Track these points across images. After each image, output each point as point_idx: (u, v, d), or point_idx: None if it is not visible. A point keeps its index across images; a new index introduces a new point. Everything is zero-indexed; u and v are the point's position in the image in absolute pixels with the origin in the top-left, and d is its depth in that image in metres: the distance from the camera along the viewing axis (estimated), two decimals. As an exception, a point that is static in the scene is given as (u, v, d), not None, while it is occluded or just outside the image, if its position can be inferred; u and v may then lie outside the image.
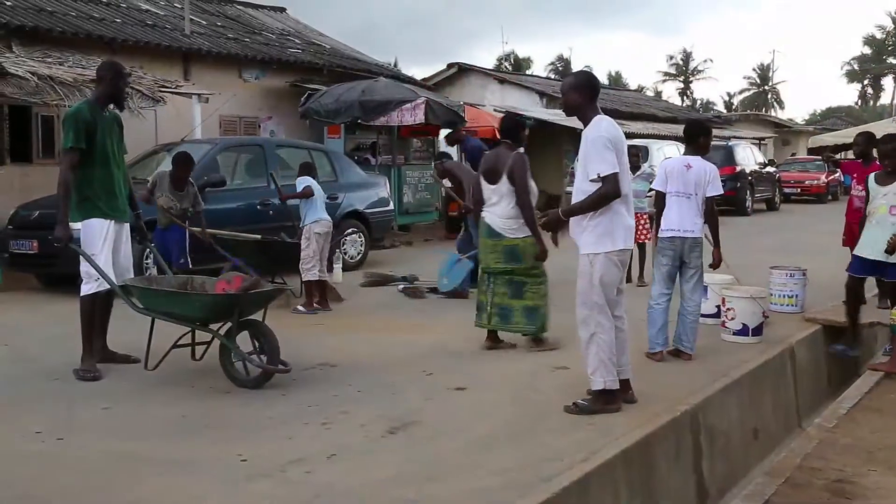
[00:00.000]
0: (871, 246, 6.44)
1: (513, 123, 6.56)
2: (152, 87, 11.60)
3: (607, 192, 4.64)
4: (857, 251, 6.64)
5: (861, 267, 6.61)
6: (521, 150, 6.34)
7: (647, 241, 9.14)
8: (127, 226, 5.95)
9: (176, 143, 10.98)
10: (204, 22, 16.65)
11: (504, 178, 6.16)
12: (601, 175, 4.63)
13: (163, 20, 15.66)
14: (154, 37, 14.33)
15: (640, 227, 9.31)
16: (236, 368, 5.45)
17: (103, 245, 5.67)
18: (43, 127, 12.74)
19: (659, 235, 6.21)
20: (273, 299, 5.81)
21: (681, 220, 6.05)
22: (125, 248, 5.92)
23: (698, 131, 6.23)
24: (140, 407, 4.99)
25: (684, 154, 6.30)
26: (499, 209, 6.22)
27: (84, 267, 5.70)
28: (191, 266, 7.78)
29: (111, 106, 5.88)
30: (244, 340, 5.49)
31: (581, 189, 4.79)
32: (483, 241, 6.40)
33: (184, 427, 4.63)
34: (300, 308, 8.00)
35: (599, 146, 4.65)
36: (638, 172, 9.82)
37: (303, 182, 8.28)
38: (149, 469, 3.98)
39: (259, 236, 8.80)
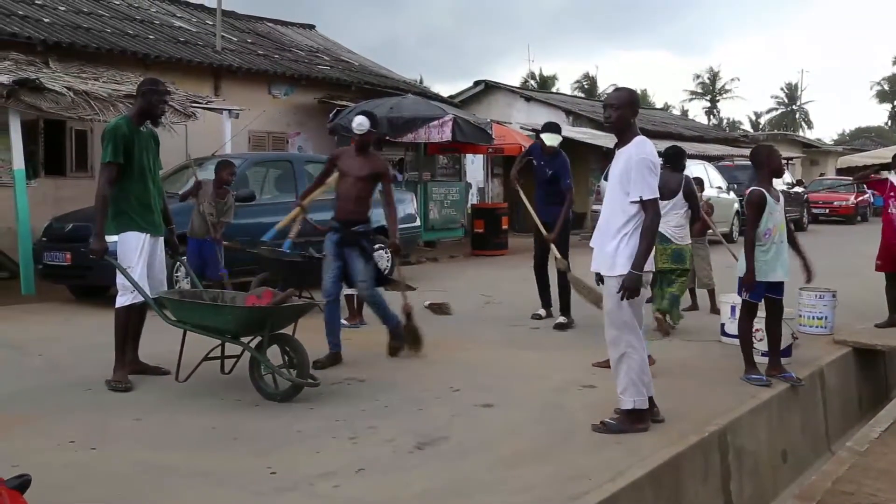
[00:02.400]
0: None
1: (676, 151, 7.90)
2: (184, 102, 11.76)
3: (653, 218, 4.66)
4: None
5: None
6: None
7: None
8: (161, 240, 6.04)
9: (207, 157, 11.11)
10: (234, 38, 16.87)
11: (679, 195, 7.51)
12: (643, 199, 4.62)
13: (195, 37, 15.90)
14: (186, 53, 14.55)
15: None
16: (266, 381, 5.50)
17: (139, 258, 5.75)
18: (77, 141, 12.98)
19: None
20: (304, 314, 5.86)
21: None
22: (159, 262, 6.00)
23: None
24: (170, 418, 5.05)
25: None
26: (671, 219, 7.42)
27: (120, 279, 5.79)
28: (228, 278, 7.86)
29: (147, 122, 5.96)
30: (273, 354, 5.54)
31: (618, 208, 4.74)
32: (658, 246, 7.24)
33: (213, 439, 4.67)
34: (343, 322, 8.02)
35: (644, 169, 4.64)
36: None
37: None
38: (180, 480, 4.02)
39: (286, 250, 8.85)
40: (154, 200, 5.92)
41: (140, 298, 5.73)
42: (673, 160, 7.76)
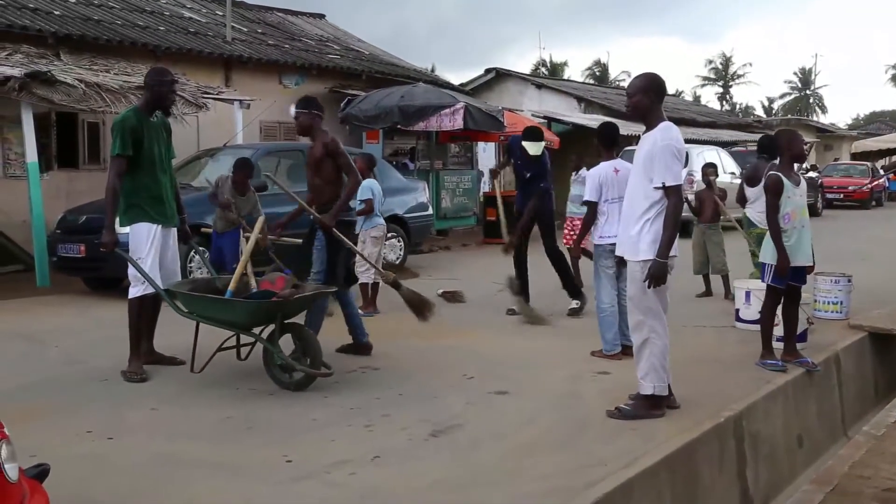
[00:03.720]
0: None
1: (771, 140, 8.02)
2: (195, 93, 11.77)
3: (677, 205, 4.63)
4: None
5: None
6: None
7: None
8: (174, 230, 6.04)
9: (218, 148, 11.14)
10: (245, 29, 16.86)
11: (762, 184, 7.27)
12: (666, 185, 4.60)
13: (205, 27, 15.89)
14: (196, 44, 14.55)
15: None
16: (279, 370, 5.51)
17: (150, 249, 5.76)
18: (89, 133, 13.03)
19: (598, 243, 6.40)
20: (315, 303, 5.86)
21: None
22: (172, 252, 6.01)
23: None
24: (186, 409, 5.08)
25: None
26: (759, 206, 7.49)
27: (132, 271, 5.82)
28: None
29: (158, 112, 5.96)
30: (286, 342, 5.55)
31: (641, 193, 4.73)
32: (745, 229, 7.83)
33: (229, 429, 4.69)
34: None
35: (668, 154, 4.61)
36: (575, 176, 9.86)
37: (365, 191, 8.23)
38: (196, 470, 4.04)
39: (300, 240, 8.86)
40: (165, 191, 5.92)
41: (152, 289, 5.74)
42: (768, 150, 8.06)
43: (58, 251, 9.40)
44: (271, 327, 5.53)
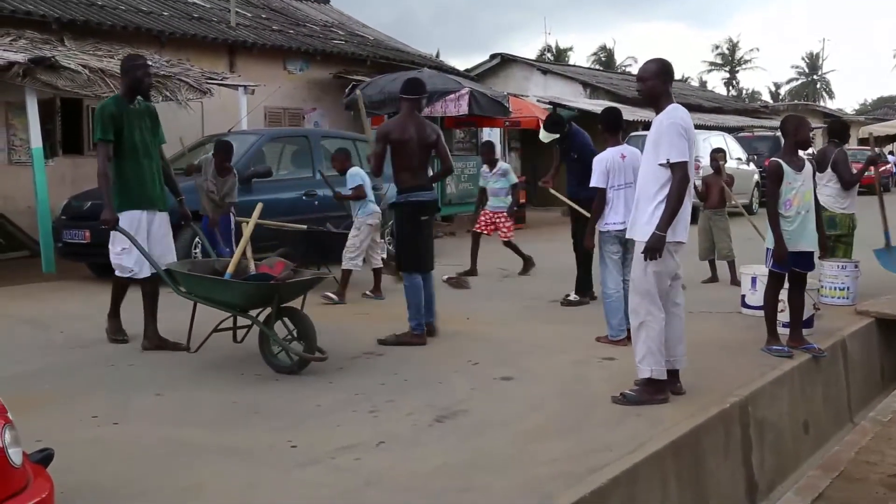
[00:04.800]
0: None
1: (842, 124, 8.61)
2: (199, 79, 11.74)
3: (681, 181, 4.64)
4: None
5: None
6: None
7: (511, 238, 9.78)
8: (164, 214, 6.14)
9: (223, 134, 11.11)
10: (249, 14, 16.80)
11: (829, 169, 7.94)
12: (671, 161, 4.63)
13: (209, 13, 15.84)
14: (200, 29, 14.51)
15: (501, 225, 9.58)
16: (274, 354, 5.55)
17: (136, 233, 5.88)
18: (93, 119, 12.98)
19: (603, 229, 6.35)
20: (311, 287, 5.87)
21: (627, 210, 6.12)
22: (164, 235, 6.14)
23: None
24: (191, 394, 5.08)
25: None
26: (826, 190, 7.92)
27: (115, 260, 6.02)
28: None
29: (140, 99, 6.07)
30: (282, 325, 5.57)
31: (652, 175, 4.75)
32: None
33: (234, 414, 4.69)
34: (331, 295, 8.03)
35: (673, 133, 4.66)
36: (495, 169, 9.84)
37: (354, 178, 8.25)
38: (202, 455, 4.04)
39: (305, 226, 8.87)
40: (149, 175, 6.03)
41: (143, 273, 5.92)
42: (839, 135, 8.35)
43: (63, 237, 9.41)
44: (268, 310, 5.54)
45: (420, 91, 6.51)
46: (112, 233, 5.93)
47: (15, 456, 2.53)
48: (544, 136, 7.98)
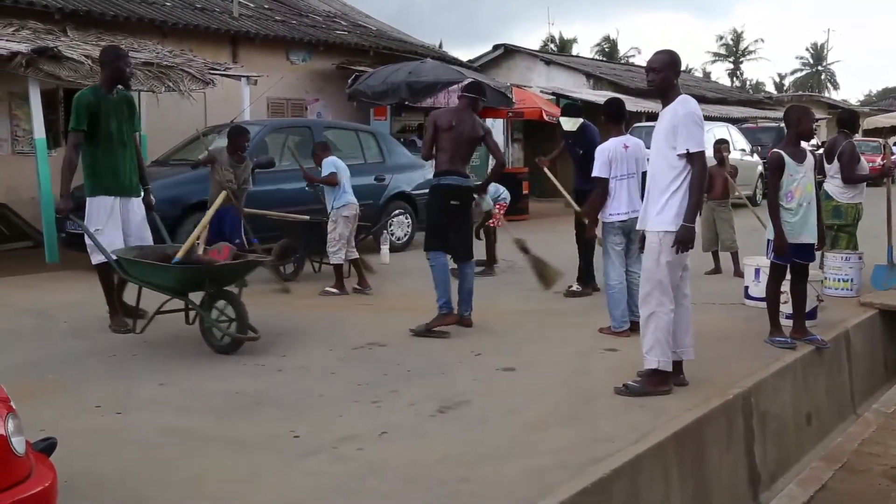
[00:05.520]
0: None
1: (851, 115, 8.70)
2: (202, 69, 11.71)
3: (701, 170, 4.67)
4: None
5: None
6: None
7: (499, 226, 9.56)
8: (138, 200, 6.41)
9: (225, 124, 11.08)
10: (251, 5, 16.75)
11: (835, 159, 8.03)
12: (690, 151, 4.63)
13: (211, 3, 15.79)
14: (203, 20, 14.47)
15: (494, 215, 9.52)
16: (213, 334, 5.80)
17: (108, 219, 6.21)
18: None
19: (607, 220, 6.34)
20: (246, 272, 6.02)
21: (630, 201, 6.22)
22: (139, 219, 6.42)
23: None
24: (194, 384, 5.08)
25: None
26: (835, 180, 8.02)
27: (87, 241, 6.18)
28: (247, 245, 7.88)
29: (120, 88, 6.28)
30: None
31: (665, 164, 4.74)
32: (823, 201, 7.88)
33: (237, 404, 4.70)
34: (332, 290, 8.03)
35: (690, 122, 4.67)
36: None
37: (328, 166, 8.17)
38: (204, 445, 4.05)
39: (307, 217, 8.86)
40: (123, 164, 6.29)
41: (96, 259, 6.15)
42: (848, 125, 8.39)
43: (66, 227, 9.40)
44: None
45: (478, 92, 6.75)
46: (86, 215, 6.22)
47: (18, 445, 2.54)
48: (568, 123, 7.88)
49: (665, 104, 4.85)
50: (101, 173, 6.20)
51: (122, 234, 6.27)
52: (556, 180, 8.04)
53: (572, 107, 8.22)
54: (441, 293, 6.37)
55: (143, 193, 6.53)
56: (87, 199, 6.29)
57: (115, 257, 5.95)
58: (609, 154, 6.31)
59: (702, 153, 4.68)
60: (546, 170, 8.15)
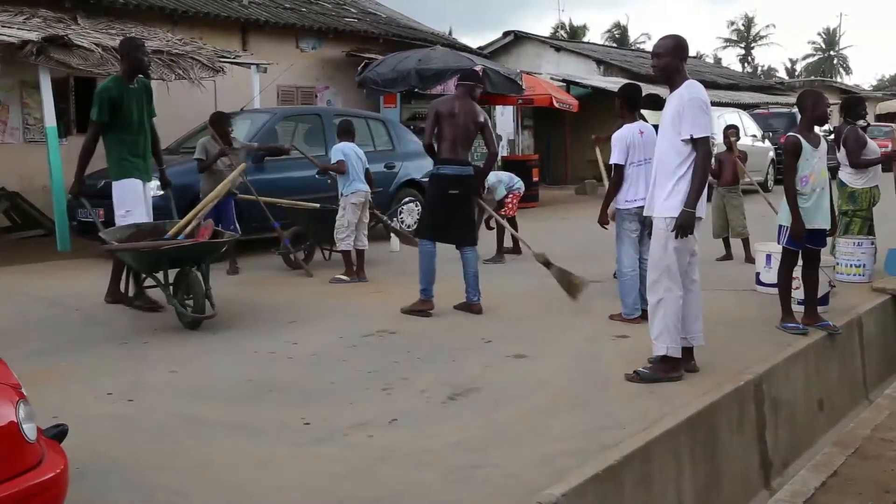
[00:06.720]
0: None
1: (855, 101, 8.56)
2: (212, 57, 11.71)
3: (705, 156, 4.65)
4: None
5: None
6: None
7: (510, 215, 9.46)
8: (149, 184, 6.79)
9: (235, 112, 11.08)
10: (261, -8, 16.71)
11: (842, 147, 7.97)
12: (694, 137, 4.61)
13: (221, -9, 15.76)
14: (213, 8, 14.45)
15: (507, 203, 9.46)
16: (179, 310, 6.07)
17: (137, 201, 6.57)
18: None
19: (622, 207, 6.28)
20: (211, 253, 6.23)
21: (646, 187, 6.06)
22: (148, 202, 6.78)
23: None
24: (206, 370, 5.10)
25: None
26: (847, 167, 7.97)
27: (119, 223, 6.53)
28: (240, 233, 7.84)
29: (139, 76, 6.58)
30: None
31: (671, 150, 4.71)
32: (839, 188, 8.02)
33: (248, 391, 4.71)
34: (342, 277, 8.02)
35: (696, 108, 4.64)
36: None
37: (337, 153, 8.14)
38: (216, 432, 4.07)
39: (318, 205, 8.86)
40: (144, 150, 6.65)
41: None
42: (852, 112, 8.23)
43: (77, 216, 9.43)
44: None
45: (473, 79, 6.89)
46: (115, 198, 6.55)
47: (30, 431, 2.55)
48: (654, 117, 7.63)
49: (672, 89, 4.81)
50: (130, 158, 6.52)
51: (147, 215, 6.66)
52: (602, 161, 7.93)
53: (654, 99, 7.78)
54: (421, 279, 6.54)
55: (159, 173, 6.95)
56: (114, 183, 6.58)
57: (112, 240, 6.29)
58: (627, 141, 6.25)
59: (706, 139, 4.65)
60: (597, 149, 8.09)
